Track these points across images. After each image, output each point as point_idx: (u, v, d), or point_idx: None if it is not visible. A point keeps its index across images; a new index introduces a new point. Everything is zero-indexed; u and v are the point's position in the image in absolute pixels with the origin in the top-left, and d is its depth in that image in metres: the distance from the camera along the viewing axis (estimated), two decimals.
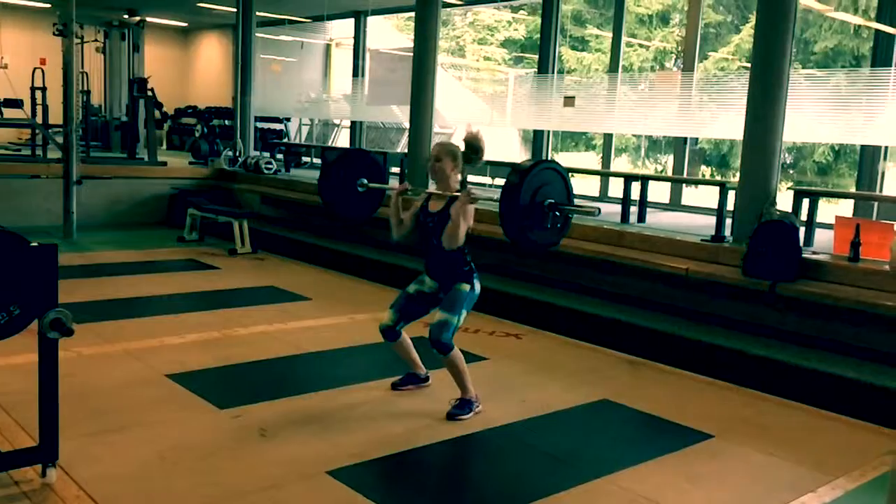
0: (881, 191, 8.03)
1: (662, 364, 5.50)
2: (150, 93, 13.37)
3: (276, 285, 7.49)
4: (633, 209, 8.33)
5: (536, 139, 11.57)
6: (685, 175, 9.98)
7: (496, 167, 11.82)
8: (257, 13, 13.60)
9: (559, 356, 5.68)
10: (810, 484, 3.66)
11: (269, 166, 12.29)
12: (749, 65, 6.89)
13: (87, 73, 15.03)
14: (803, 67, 13.34)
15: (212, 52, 19.79)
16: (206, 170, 12.64)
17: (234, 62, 13.55)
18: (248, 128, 13.42)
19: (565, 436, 4.19)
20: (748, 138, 6.68)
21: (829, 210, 8.29)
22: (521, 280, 7.72)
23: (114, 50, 16.48)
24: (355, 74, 14.82)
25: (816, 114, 8.17)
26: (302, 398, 4.47)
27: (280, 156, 13.84)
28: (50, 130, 11.61)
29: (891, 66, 7.75)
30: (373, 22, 15.32)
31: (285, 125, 16.81)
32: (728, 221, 7.14)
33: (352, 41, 15.18)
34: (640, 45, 17.74)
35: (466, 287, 4.24)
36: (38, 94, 12.99)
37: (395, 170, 11.98)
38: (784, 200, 6.96)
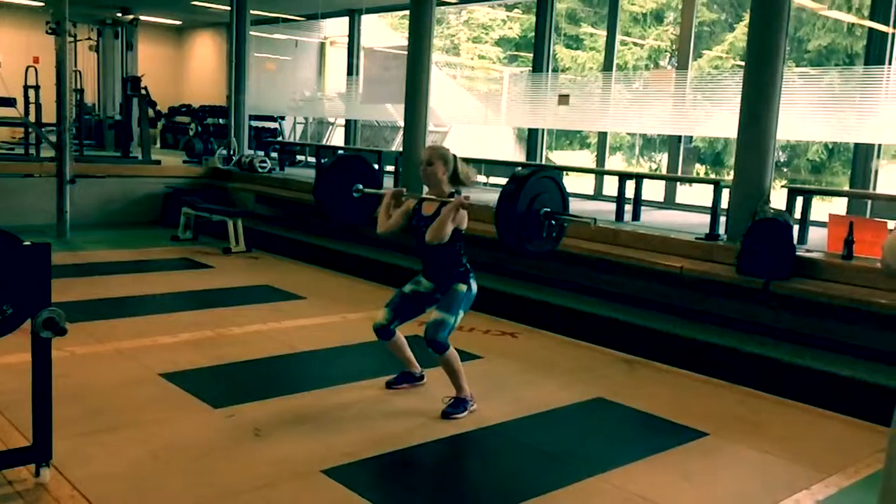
0: (874, 189, 8.05)
1: (657, 362, 5.50)
2: (143, 91, 13.32)
3: (270, 284, 7.48)
4: (628, 208, 8.34)
5: (531, 137, 11.57)
6: (679, 173, 9.99)
7: (491, 165, 11.85)
8: (251, 11, 13.57)
9: (554, 355, 5.68)
10: (804, 481, 3.67)
11: (264, 165, 12.26)
12: (743, 63, 6.90)
13: (80, 72, 14.96)
14: (797, 66, 13.37)
15: (206, 51, 19.74)
16: (200, 168, 12.61)
17: (229, 60, 13.52)
18: (242, 126, 13.40)
19: (560, 434, 4.19)
20: (742, 136, 6.69)
21: (823, 208, 8.31)
22: (517, 279, 7.72)
23: (107, 48, 16.39)
24: (350, 73, 14.81)
25: (810, 112, 8.19)
26: (296, 397, 4.46)
27: (274, 154, 13.81)
28: (43, 129, 11.58)
29: (884, 64, 7.78)
30: (367, 20, 15.31)
31: (280, 124, 16.78)
32: (722, 220, 7.15)
33: (346, 39, 15.16)
34: (635, 44, 17.76)
35: (463, 287, 4.25)
36: (32, 92, 12.95)
37: (390, 168, 11.98)
38: (778, 198, 6.97)
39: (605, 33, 10.97)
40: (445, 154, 4.29)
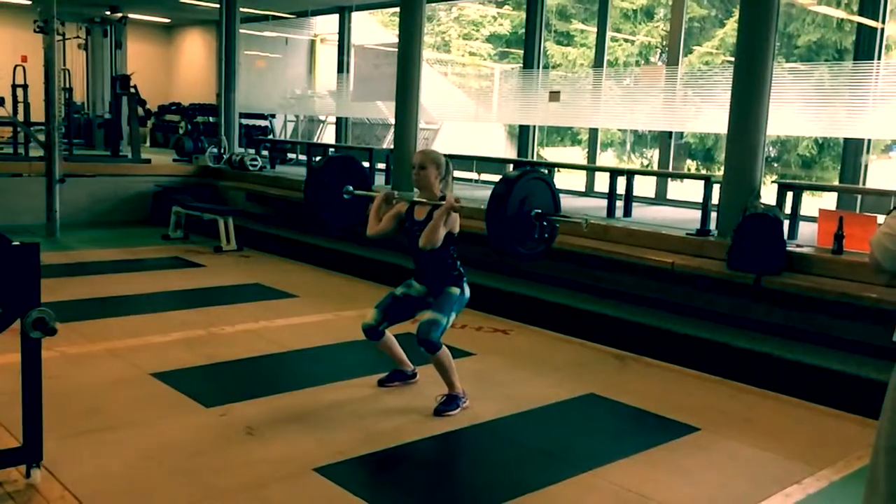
0: (864, 183, 8.08)
1: (649, 358, 5.52)
2: (133, 90, 13.24)
3: (261, 282, 7.46)
4: (620, 204, 8.35)
5: (522, 134, 11.57)
6: (670, 169, 10.01)
7: (482, 163, 11.84)
8: (241, 9, 13.51)
9: (546, 351, 5.69)
10: (795, 475, 3.68)
11: (255, 163, 12.23)
12: (733, 59, 6.91)
13: (69, 71, 14.87)
14: (787, 61, 13.41)
15: (195, 49, 19.67)
16: (190, 167, 12.56)
17: (218, 58, 13.47)
18: (232, 124, 13.35)
19: (553, 430, 4.20)
20: (732, 132, 6.71)
21: (813, 203, 8.34)
22: (508, 275, 7.72)
23: (96, 47, 16.30)
24: (340, 70, 14.77)
25: (800, 107, 8.21)
26: (288, 396, 4.46)
27: (265, 152, 13.77)
28: (32, 128, 11.50)
29: (873, 59, 7.80)
30: (357, 17, 15.27)
31: (270, 122, 16.74)
32: (713, 215, 7.17)
33: (336, 37, 15.13)
34: (625, 40, 17.77)
35: (456, 290, 4.26)
36: (20, 91, 12.86)
37: (381, 166, 11.96)
38: (768, 194, 7.00)
39: (595, 29, 10.97)
40: (438, 158, 4.29)
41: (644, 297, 6.87)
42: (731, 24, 14.72)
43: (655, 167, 11.34)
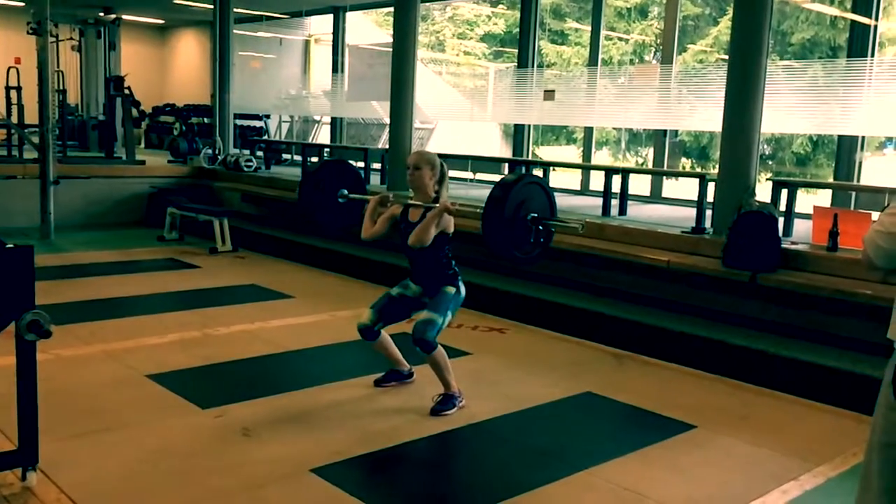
0: (858, 180, 8.10)
1: (645, 356, 5.52)
2: (127, 91, 13.23)
3: (257, 283, 7.45)
4: (615, 202, 8.35)
5: (517, 133, 11.58)
6: (665, 167, 10.02)
7: (478, 162, 11.84)
8: (235, 10, 13.49)
9: (543, 350, 5.69)
10: (792, 472, 3.69)
11: (249, 164, 12.21)
12: (727, 57, 6.92)
13: (62, 72, 14.84)
14: (780, 59, 13.43)
15: (189, 50, 19.63)
16: (185, 168, 12.54)
17: (213, 59, 13.43)
18: (227, 125, 13.32)
19: (549, 429, 4.20)
20: (727, 130, 6.72)
21: (808, 200, 8.35)
22: (504, 275, 7.72)
23: (90, 48, 16.28)
24: (335, 70, 14.77)
25: (794, 105, 8.23)
26: (284, 396, 4.45)
27: (260, 153, 13.76)
28: (26, 130, 11.47)
29: (867, 56, 7.82)
30: (352, 17, 15.26)
31: (265, 122, 16.72)
32: (708, 213, 7.17)
33: (331, 37, 15.11)
34: (620, 39, 17.78)
35: (452, 290, 4.25)
36: (13, 93, 12.82)
37: (377, 166, 11.95)
38: (763, 191, 7.01)
39: (589, 28, 10.98)
40: (432, 159, 4.29)
41: (640, 296, 6.88)
42: (725, 23, 14.73)
43: (650, 165, 11.35)
